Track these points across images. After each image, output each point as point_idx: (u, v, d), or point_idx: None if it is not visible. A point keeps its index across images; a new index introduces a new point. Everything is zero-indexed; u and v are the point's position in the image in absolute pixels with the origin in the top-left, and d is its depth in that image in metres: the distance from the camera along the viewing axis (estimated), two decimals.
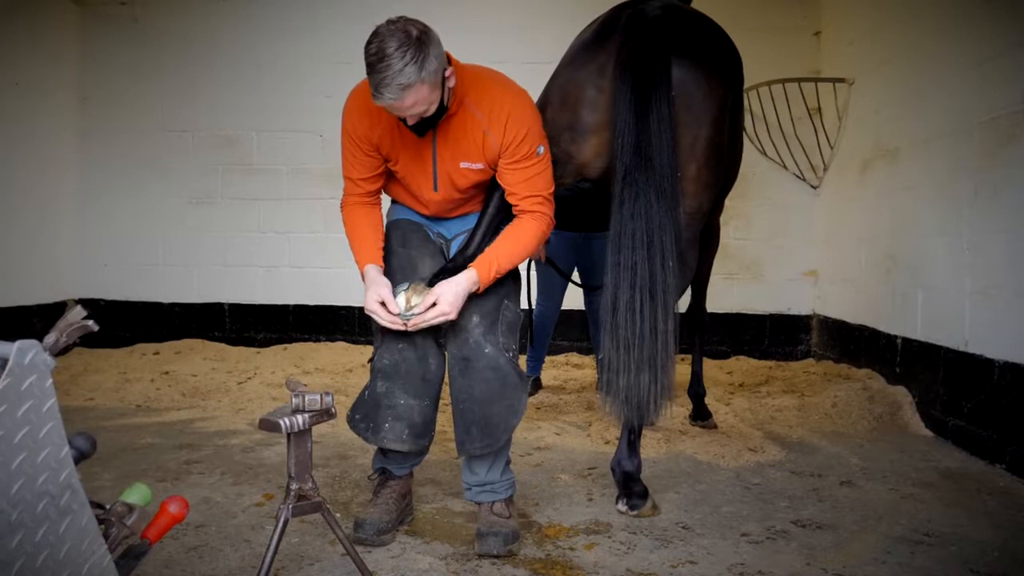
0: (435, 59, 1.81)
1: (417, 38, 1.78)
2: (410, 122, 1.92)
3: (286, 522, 1.64)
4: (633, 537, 2.12)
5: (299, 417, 1.63)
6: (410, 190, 2.16)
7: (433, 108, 1.89)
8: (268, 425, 1.63)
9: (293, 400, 1.65)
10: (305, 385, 1.70)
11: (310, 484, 1.67)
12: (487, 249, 2.05)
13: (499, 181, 2.09)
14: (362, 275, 2.07)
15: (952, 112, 3.30)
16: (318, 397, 1.65)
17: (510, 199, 2.09)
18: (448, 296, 1.94)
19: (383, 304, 1.98)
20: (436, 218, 2.23)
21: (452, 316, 1.96)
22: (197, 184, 5.29)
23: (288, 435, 1.63)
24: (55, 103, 5.09)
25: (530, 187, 2.06)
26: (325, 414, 1.67)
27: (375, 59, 1.77)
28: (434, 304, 1.94)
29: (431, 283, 2.02)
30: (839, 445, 3.10)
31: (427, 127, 1.97)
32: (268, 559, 1.60)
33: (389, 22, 1.81)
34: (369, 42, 1.80)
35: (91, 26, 5.27)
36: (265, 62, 5.24)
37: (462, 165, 2.06)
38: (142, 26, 5.26)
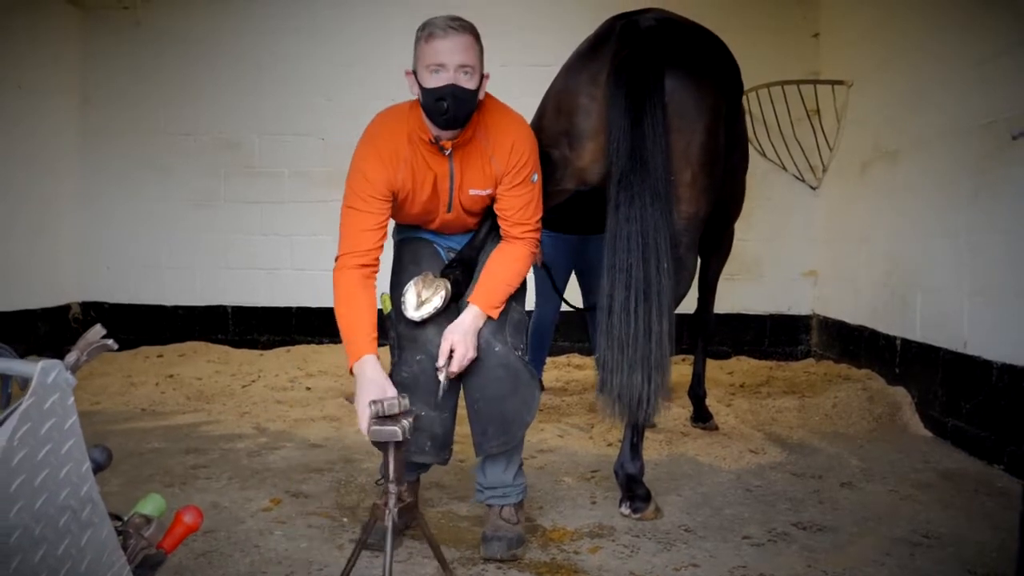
0: (480, 44, 1.98)
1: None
2: (453, 82, 1.91)
3: (395, 526, 1.69)
4: (636, 540, 2.15)
5: (405, 422, 1.71)
6: (425, 210, 2.18)
7: (472, 84, 1.95)
8: (382, 435, 1.70)
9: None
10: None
11: (404, 487, 1.75)
12: (483, 280, 2.09)
13: (494, 207, 2.15)
14: (352, 369, 1.92)
15: (952, 112, 3.31)
16: (396, 400, 1.74)
17: (502, 224, 2.14)
18: (458, 338, 1.99)
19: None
20: (446, 234, 2.27)
21: (473, 353, 2.01)
22: (199, 186, 5.31)
23: (391, 443, 1.70)
24: (57, 105, 5.10)
25: (523, 214, 2.12)
26: (409, 414, 1.76)
27: (438, 16, 1.94)
28: (451, 353, 1.99)
29: (442, 275, 2.09)
30: (839, 446, 3.13)
31: (458, 123, 1.98)
32: (387, 565, 1.63)
33: None
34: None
35: (93, 28, 5.28)
36: (266, 64, 5.26)
37: (471, 192, 2.11)
38: (144, 29, 5.28)
